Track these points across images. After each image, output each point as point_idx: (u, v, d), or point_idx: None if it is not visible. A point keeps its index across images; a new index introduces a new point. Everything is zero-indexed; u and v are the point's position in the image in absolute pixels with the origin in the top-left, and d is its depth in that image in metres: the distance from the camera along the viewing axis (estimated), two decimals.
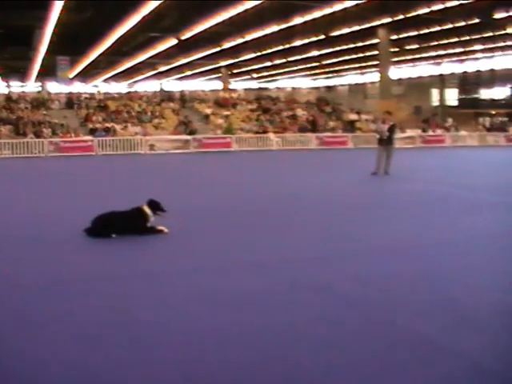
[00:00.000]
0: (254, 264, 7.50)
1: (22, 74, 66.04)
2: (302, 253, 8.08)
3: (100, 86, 70.05)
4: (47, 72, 57.01)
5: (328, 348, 4.67)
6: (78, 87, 62.36)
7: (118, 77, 71.14)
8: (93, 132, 35.97)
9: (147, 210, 9.24)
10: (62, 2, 33.69)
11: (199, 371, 4.29)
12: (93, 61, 57.32)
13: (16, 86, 64.58)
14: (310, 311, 5.60)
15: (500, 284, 6.58)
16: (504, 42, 50.95)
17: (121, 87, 68.67)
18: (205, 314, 5.53)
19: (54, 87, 56.58)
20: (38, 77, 64.79)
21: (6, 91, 53.45)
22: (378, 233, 9.54)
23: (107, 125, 37.57)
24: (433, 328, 5.11)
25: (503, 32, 45.32)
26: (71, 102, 43.70)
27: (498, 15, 38.63)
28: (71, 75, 60.57)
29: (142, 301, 5.98)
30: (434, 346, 4.70)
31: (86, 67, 61.69)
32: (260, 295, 6.14)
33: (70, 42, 45.59)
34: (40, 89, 59.50)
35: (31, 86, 65.89)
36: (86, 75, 68.09)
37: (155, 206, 9.34)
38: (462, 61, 63.11)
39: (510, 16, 38.56)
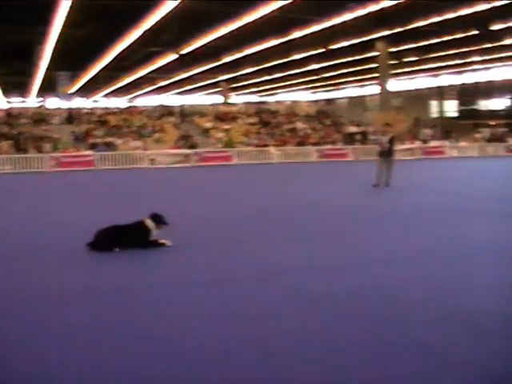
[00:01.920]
0: (255, 276, 7.53)
1: (22, 90, 66.21)
2: (302, 265, 8.11)
3: (100, 101, 70.24)
4: (48, 87, 57.16)
5: (328, 359, 4.69)
6: (79, 102, 62.55)
7: (118, 92, 71.28)
8: (93, 147, 36.08)
9: (150, 223, 9.27)
10: (63, 18, 33.83)
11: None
12: (93, 76, 57.49)
13: (17, 102, 64.79)
14: (311, 322, 5.63)
15: (499, 293, 6.62)
16: (501, 53, 51.15)
17: (121, 102, 68.83)
18: (207, 326, 5.56)
19: (54, 102, 56.77)
20: (38, 92, 64.94)
21: (6, 106, 53.60)
22: (377, 244, 9.59)
23: (108, 139, 37.70)
24: (434, 336, 5.14)
25: (500, 43, 45.51)
26: (71, 117, 43.82)
27: (495, 27, 38.83)
28: (71, 90, 60.72)
29: (143, 313, 6.02)
30: (435, 354, 4.74)
31: (86, 82, 61.84)
32: (261, 307, 6.17)
33: (71, 58, 45.76)
34: (41, 104, 59.68)
35: (32, 102, 66.08)
36: (86, 90, 68.23)
37: (158, 219, 9.37)
38: (460, 72, 63.30)
39: (507, 27, 38.76)
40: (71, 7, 31.94)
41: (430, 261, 8.24)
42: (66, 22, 34.85)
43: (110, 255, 8.81)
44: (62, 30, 36.53)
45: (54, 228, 11.82)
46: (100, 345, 5.08)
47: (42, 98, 64.71)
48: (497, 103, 68.72)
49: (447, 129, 56.41)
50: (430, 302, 6.20)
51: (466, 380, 4.30)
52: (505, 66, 57.93)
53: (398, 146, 27.04)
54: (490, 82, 64.51)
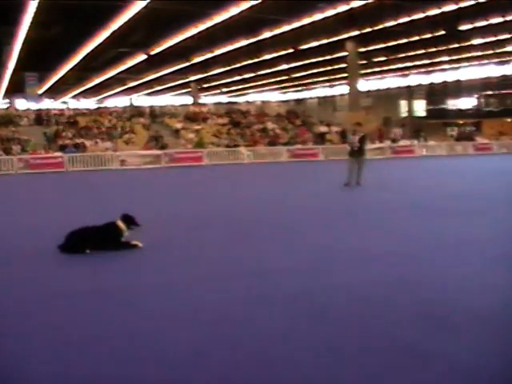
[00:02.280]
0: (227, 276, 7.53)
1: None
2: (276, 263, 8.13)
3: (69, 102, 69.71)
4: (15, 88, 56.56)
5: (304, 356, 4.70)
6: (47, 104, 61.99)
7: (87, 93, 70.83)
8: (63, 148, 35.73)
9: (121, 224, 9.20)
10: (30, 18, 33.50)
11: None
12: (62, 77, 57.04)
13: None
14: (285, 321, 5.64)
15: (473, 288, 6.68)
16: (469, 53, 51.74)
17: (90, 103, 68.40)
18: (178, 327, 5.54)
19: (22, 104, 56.19)
20: (5, 93, 64.24)
21: None
22: (351, 242, 9.63)
23: (77, 141, 37.38)
24: (408, 332, 5.18)
25: (468, 43, 46.02)
26: (40, 118, 43.38)
27: (463, 27, 39.25)
28: (40, 91, 60.15)
29: (116, 315, 5.97)
30: (410, 350, 4.76)
31: (54, 83, 61.33)
32: (233, 306, 6.16)
33: (39, 58, 45.33)
34: (8, 105, 59.01)
35: None
36: (55, 91, 67.68)
37: (129, 220, 9.30)
38: (428, 72, 63.92)
39: (474, 27, 39.19)
40: (39, 7, 31.65)
41: (403, 257, 8.30)
42: (33, 22, 34.53)
43: (82, 257, 8.72)
44: (30, 30, 36.19)
45: (23, 231, 11.68)
46: (70, 347, 5.02)
47: (8, 100, 64.04)
48: (465, 102, 69.49)
49: (416, 128, 56.87)
50: (399, 299, 6.24)
51: (439, 375, 4.33)
52: (472, 65, 58.60)
53: (368, 146, 27.14)
54: (458, 81, 65.23)
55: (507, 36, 42.84)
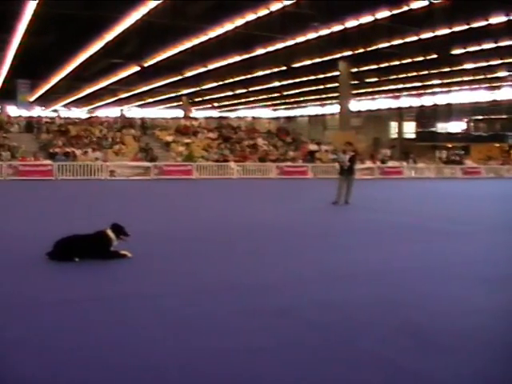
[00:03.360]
0: (215, 289, 7.53)
1: None
2: (262, 279, 8.13)
3: (60, 110, 69.59)
4: (7, 95, 56.48)
5: (289, 371, 4.72)
6: (38, 111, 61.90)
7: (78, 102, 70.78)
8: (52, 156, 35.67)
9: (111, 233, 9.18)
10: (24, 25, 33.55)
11: None
12: (54, 85, 57.01)
13: None
14: (271, 335, 5.65)
15: (457, 309, 6.73)
16: (461, 77, 52.16)
17: (81, 113, 68.34)
18: (165, 338, 5.54)
19: (13, 111, 56.12)
20: None
21: None
22: (338, 260, 9.66)
23: (67, 149, 37.32)
24: (393, 350, 5.22)
25: (460, 67, 46.42)
26: (31, 125, 43.32)
27: (456, 51, 39.63)
28: (31, 99, 60.10)
29: (102, 324, 5.97)
30: (394, 367, 4.80)
31: (46, 91, 61.26)
32: (221, 320, 6.16)
33: (31, 66, 45.33)
34: None
35: None
36: (46, 100, 67.60)
37: (119, 230, 9.29)
38: (419, 95, 64.37)
39: (466, 52, 39.57)
40: (33, 15, 31.70)
41: (387, 276, 8.34)
42: (27, 30, 34.57)
43: (70, 265, 8.69)
44: (24, 37, 36.21)
45: (10, 238, 11.62)
46: (61, 358, 5.03)
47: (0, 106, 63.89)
48: (454, 126, 69.98)
49: (405, 150, 57.26)
50: (388, 317, 6.28)
51: None
52: (463, 89, 59.05)
53: (358, 165, 27.28)
54: (448, 105, 65.69)
55: (499, 61, 43.24)
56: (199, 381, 4.53)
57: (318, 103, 74.66)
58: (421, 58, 42.79)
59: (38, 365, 4.78)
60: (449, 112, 68.18)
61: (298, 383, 4.51)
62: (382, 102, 70.00)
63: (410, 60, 43.75)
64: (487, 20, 32.12)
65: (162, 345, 5.33)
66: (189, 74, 51.01)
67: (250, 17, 32.91)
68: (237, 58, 43.49)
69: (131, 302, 6.83)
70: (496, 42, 36.77)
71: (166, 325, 5.96)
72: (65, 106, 73.59)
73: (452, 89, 59.08)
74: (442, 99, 64.57)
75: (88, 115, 60.05)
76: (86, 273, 8.32)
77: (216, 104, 77.01)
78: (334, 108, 66.10)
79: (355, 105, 60.22)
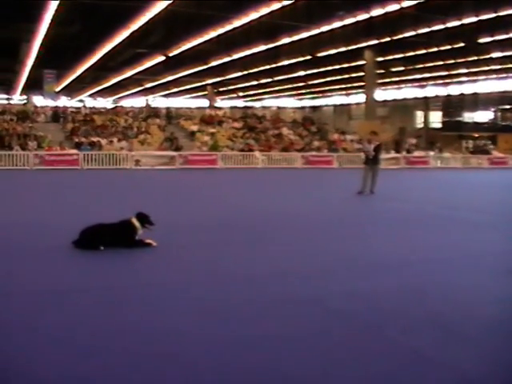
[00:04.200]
0: (243, 278, 7.52)
1: (7, 87, 65.87)
2: (292, 268, 8.10)
3: (86, 100, 70.03)
4: (33, 85, 56.89)
5: (316, 359, 4.71)
6: (64, 101, 62.31)
7: (104, 92, 71.11)
8: (78, 146, 35.91)
9: (136, 222, 9.20)
10: (51, 16, 33.74)
11: (192, 381, 4.33)
12: (79, 75, 57.32)
13: (1, 99, 64.47)
14: (299, 324, 5.64)
15: (481, 300, 6.67)
16: (488, 66, 51.56)
17: (107, 103, 68.68)
18: (194, 325, 5.55)
19: (39, 101, 56.53)
20: (23, 90, 64.64)
21: None
22: (363, 249, 9.61)
23: (93, 139, 37.54)
24: (418, 339, 5.19)
25: (487, 56, 45.88)
26: (57, 115, 43.64)
27: (483, 40, 39.16)
28: (57, 89, 60.49)
29: (130, 312, 5.98)
30: (421, 358, 4.77)
31: (72, 81, 61.63)
32: (247, 308, 6.16)
33: (57, 56, 45.58)
34: (25, 101, 59.39)
35: (17, 99, 65.78)
36: (72, 90, 68.02)
37: (144, 218, 9.31)
38: (446, 84, 63.74)
39: (494, 41, 39.08)
40: (60, 5, 31.86)
41: (415, 266, 8.28)
42: (53, 20, 34.75)
43: (95, 253, 8.74)
44: (50, 27, 36.41)
45: (37, 226, 11.71)
46: (86, 344, 5.05)
47: (26, 96, 64.42)
48: (481, 116, 69.24)
49: (431, 139, 56.77)
50: (413, 307, 6.24)
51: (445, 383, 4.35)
52: (490, 79, 58.37)
53: (383, 155, 27.13)
54: (475, 94, 64.99)
55: None
56: (228, 370, 4.52)
57: (344, 93, 74.28)
58: (447, 47, 42.33)
59: (70, 350, 4.81)
60: (475, 101, 67.44)
61: (325, 371, 4.50)
62: (408, 92, 69.37)
63: (436, 49, 43.30)
64: None
65: (189, 330, 5.35)
66: (214, 63, 50.99)
67: (275, 6, 32.76)
68: (262, 48, 43.36)
69: (155, 290, 6.83)
70: None
71: (192, 312, 5.96)
72: (90, 95, 73.99)
73: (479, 78, 58.39)
74: (468, 88, 63.84)
75: (113, 105, 60.37)
76: (111, 261, 8.36)
77: (241, 94, 76.90)
78: (359, 97, 65.77)
79: (381, 94, 59.79)
